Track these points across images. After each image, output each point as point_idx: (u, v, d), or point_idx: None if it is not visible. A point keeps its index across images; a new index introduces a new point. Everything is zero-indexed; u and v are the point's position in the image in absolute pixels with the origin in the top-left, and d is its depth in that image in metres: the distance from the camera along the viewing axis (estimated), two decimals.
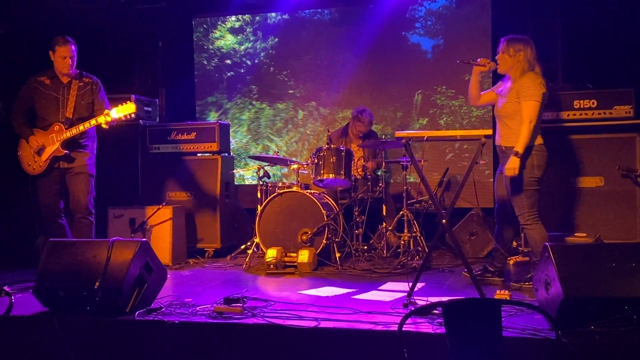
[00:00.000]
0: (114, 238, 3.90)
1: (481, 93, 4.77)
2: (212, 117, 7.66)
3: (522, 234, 5.85)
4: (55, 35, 5.08)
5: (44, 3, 6.64)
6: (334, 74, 7.34)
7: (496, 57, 4.57)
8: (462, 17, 6.96)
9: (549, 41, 6.39)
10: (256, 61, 7.62)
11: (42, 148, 5.02)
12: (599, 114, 5.61)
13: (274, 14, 7.56)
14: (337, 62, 7.35)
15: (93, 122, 4.98)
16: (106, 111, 5.00)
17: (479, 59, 4.61)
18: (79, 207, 5.07)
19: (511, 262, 5.59)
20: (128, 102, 5.03)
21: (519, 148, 4.31)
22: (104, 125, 4.98)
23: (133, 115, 5.05)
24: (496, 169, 4.82)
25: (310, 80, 7.44)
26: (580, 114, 5.65)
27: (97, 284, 3.66)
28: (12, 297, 2.89)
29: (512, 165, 4.32)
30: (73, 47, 5.06)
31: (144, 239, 4.05)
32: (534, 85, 4.37)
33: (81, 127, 4.99)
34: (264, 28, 7.61)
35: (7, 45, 6.71)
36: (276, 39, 7.57)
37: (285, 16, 7.54)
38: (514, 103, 4.43)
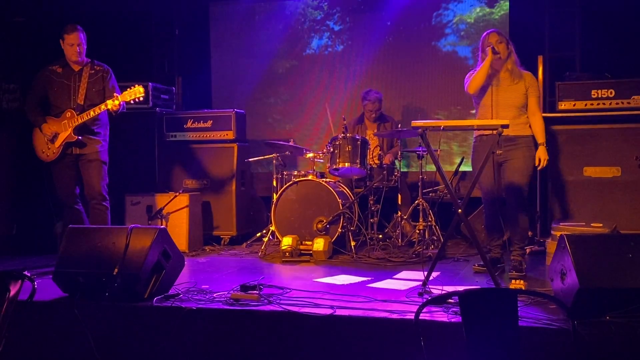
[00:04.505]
0: (133, 225, 3.93)
1: None
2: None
3: (538, 224, 5.85)
4: (72, 23, 5.11)
5: None
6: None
7: (494, 48, 4.55)
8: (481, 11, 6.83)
9: (567, 29, 6.33)
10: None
11: (56, 135, 5.08)
12: (617, 103, 5.56)
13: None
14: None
15: (103, 107, 5.03)
16: (115, 95, 5.05)
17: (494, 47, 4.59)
18: (92, 193, 5.15)
19: (527, 252, 5.57)
20: (136, 85, 5.08)
21: (544, 139, 4.59)
22: (112, 109, 5.00)
23: (141, 98, 5.10)
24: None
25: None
26: (598, 104, 5.61)
27: (115, 270, 3.70)
28: (35, 283, 2.95)
29: (546, 156, 4.57)
30: (81, 34, 5.10)
31: (162, 226, 4.08)
32: (537, 84, 4.75)
33: (92, 113, 5.04)
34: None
35: (24, 33, 6.74)
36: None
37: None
38: (524, 96, 4.63)
